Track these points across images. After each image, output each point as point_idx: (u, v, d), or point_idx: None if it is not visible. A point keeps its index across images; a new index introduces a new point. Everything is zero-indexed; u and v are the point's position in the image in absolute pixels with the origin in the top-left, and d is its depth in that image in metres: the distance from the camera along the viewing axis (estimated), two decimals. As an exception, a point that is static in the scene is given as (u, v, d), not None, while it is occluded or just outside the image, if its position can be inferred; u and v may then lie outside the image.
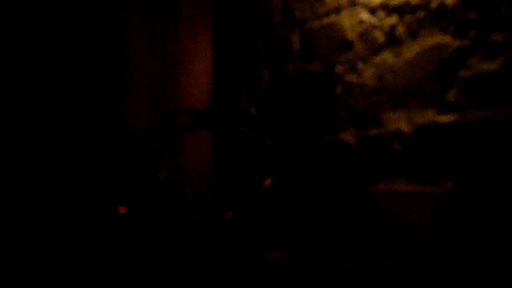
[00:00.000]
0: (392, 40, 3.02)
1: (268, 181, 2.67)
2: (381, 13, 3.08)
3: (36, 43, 3.60)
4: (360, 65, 3.19)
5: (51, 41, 3.65)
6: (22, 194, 3.44)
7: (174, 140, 4.02)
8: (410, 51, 2.92)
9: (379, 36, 3.09)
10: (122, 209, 2.96)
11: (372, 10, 3.12)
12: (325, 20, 3.41)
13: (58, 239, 3.26)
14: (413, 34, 2.91)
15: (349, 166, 2.46)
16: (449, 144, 2.73)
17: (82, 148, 3.68)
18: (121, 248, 2.85)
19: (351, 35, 3.25)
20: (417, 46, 2.89)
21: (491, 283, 2.19)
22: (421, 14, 2.87)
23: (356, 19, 3.22)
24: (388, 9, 3.04)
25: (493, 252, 2.28)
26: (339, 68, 3.30)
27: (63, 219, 3.40)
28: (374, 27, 3.12)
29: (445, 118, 2.76)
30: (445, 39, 2.76)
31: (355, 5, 3.22)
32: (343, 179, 2.42)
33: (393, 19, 3.02)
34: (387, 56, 3.05)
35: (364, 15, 3.17)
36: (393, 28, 3.02)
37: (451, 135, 2.72)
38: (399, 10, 2.98)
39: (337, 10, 3.33)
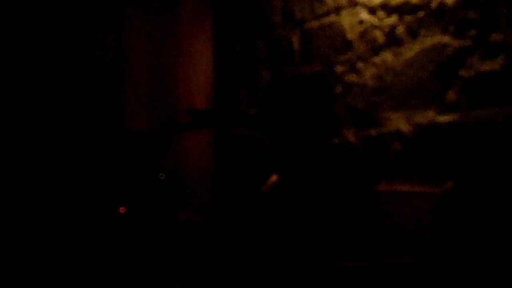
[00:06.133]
0: (392, 40, 3.02)
1: (273, 178, 2.66)
2: (381, 13, 3.08)
3: (36, 42, 3.60)
4: (360, 65, 3.19)
5: (51, 41, 3.65)
6: (22, 194, 3.44)
7: (174, 140, 4.02)
8: (410, 51, 2.93)
9: (379, 36, 3.09)
10: (122, 209, 2.96)
11: (372, 10, 3.12)
12: (325, 20, 3.41)
13: (58, 239, 3.26)
14: (413, 34, 2.91)
15: (353, 165, 2.46)
16: (449, 144, 2.73)
17: (82, 148, 3.68)
18: (121, 248, 2.85)
19: (351, 35, 3.25)
20: (417, 46, 2.89)
21: (491, 283, 2.19)
22: (421, 14, 2.87)
23: (356, 19, 3.22)
24: (388, 9, 3.04)
25: (493, 252, 2.28)
26: (339, 68, 3.30)
27: (63, 219, 3.40)
28: (374, 27, 3.12)
29: (445, 118, 2.76)
30: (445, 39, 2.76)
31: (355, 5, 3.22)
32: (347, 178, 2.42)
33: (393, 19, 3.02)
34: (387, 56, 3.05)
35: (364, 15, 3.17)
36: (393, 28, 3.02)
37: (451, 135, 2.72)
38: (399, 10, 2.98)
39: (337, 10, 3.33)
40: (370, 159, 3.04)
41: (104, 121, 3.81)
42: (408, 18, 2.93)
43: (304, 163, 2.51)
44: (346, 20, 3.28)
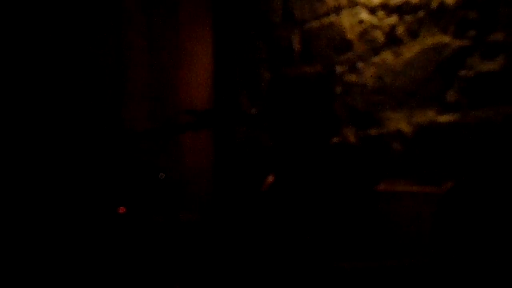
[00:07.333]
0: (392, 40, 3.02)
1: (270, 179, 2.67)
2: (381, 13, 3.08)
3: (36, 43, 3.60)
4: (360, 65, 3.19)
5: (51, 41, 3.65)
6: (22, 194, 3.44)
7: (174, 140, 4.02)
8: (410, 51, 2.92)
9: (379, 36, 3.09)
10: (122, 209, 2.96)
11: (372, 10, 3.12)
12: (325, 20, 3.41)
13: (58, 239, 3.26)
14: (413, 34, 2.91)
15: (353, 165, 2.46)
16: (449, 144, 2.73)
17: (82, 148, 3.68)
18: (121, 248, 2.85)
19: (351, 35, 3.25)
20: (417, 46, 2.89)
21: (491, 283, 2.19)
22: (421, 14, 2.87)
23: (356, 19, 3.21)
24: (388, 9, 3.04)
25: (493, 252, 2.28)
26: (339, 68, 3.30)
27: (63, 219, 3.40)
28: (374, 27, 3.12)
29: (445, 118, 2.76)
30: (445, 39, 2.76)
31: (355, 5, 3.22)
32: (346, 179, 2.42)
33: (393, 19, 3.02)
34: (387, 56, 3.05)
35: (364, 15, 3.17)
36: (393, 28, 3.02)
37: (451, 135, 2.72)
38: (399, 10, 2.98)
39: (337, 10, 3.33)
40: (370, 159, 3.04)
41: (104, 121, 3.81)
42: (408, 18, 2.93)
43: (304, 162, 2.51)
44: (346, 20, 3.28)
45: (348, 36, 3.26)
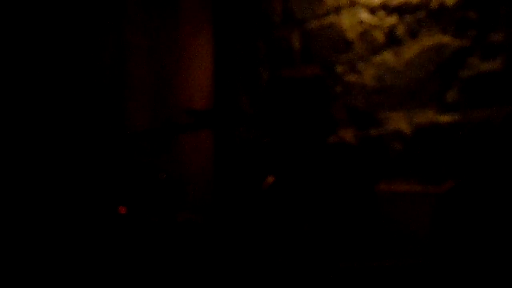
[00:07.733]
0: (392, 40, 3.02)
1: (270, 179, 2.67)
2: (381, 13, 3.08)
3: (37, 41, 3.60)
4: (360, 65, 3.19)
5: (52, 40, 3.65)
6: (21, 194, 3.44)
7: (174, 140, 4.02)
8: (410, 51, 2.93)
9: (379, 36, 3.09)
10: (122, 209, 2.96)
11: (372, 10, 3.13)
12: (325, 20, 3.42)
13: (58, 239, 3.26)
14: (413, 34, 2.92)
15: (353, 165, 2.46)
16: (449, 144, 2.73)
17: (82, 148, 3.68)
18: (120, 248, 2.85)
19: (351, 35, 3.25)
20: (417, 46, 2.89)
21: (491, 283, 2.19)
22: (421, 14, 2.87)
23: (356, 19, 3.22)
24: (388, 9, 3.04)
25: (493, 252, 2.28)
26: (339, 68, 3.30)
27: (63, 219, 3.40)
28: (374, 27, 3.12)
29: (445, 118, 2.76)
30: (445, 39, 2.76)
31: (355, 5, 3.22)
32: (347, 179, 2.42)
33: (393, 19, 3.02)
34: (387, 56, 3.05)
35: (364, 15, 3.17)
36: (393, 28, 3.02)
37: (451, 135, 2.73)
38: (399, 10, 2.98)
39: (337, 10, 3.33)
40: (370, 159, 3.04)
41: (105, 121, 3.81)
42: (408, 18, 2.94)
43: (303, 163, 2.51)
44: (346, 20, 3.28)
45: (348, 36, 3.26)
